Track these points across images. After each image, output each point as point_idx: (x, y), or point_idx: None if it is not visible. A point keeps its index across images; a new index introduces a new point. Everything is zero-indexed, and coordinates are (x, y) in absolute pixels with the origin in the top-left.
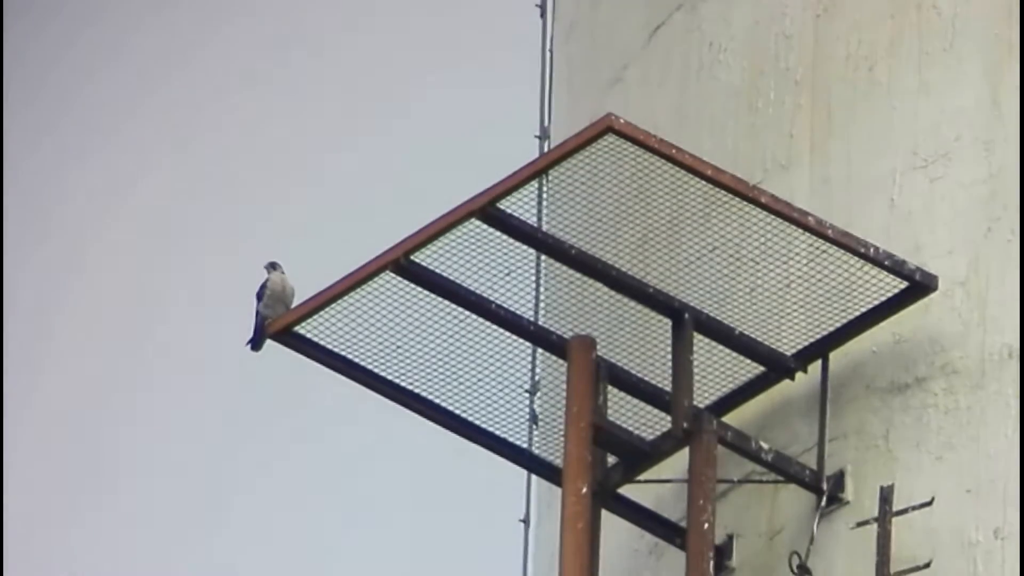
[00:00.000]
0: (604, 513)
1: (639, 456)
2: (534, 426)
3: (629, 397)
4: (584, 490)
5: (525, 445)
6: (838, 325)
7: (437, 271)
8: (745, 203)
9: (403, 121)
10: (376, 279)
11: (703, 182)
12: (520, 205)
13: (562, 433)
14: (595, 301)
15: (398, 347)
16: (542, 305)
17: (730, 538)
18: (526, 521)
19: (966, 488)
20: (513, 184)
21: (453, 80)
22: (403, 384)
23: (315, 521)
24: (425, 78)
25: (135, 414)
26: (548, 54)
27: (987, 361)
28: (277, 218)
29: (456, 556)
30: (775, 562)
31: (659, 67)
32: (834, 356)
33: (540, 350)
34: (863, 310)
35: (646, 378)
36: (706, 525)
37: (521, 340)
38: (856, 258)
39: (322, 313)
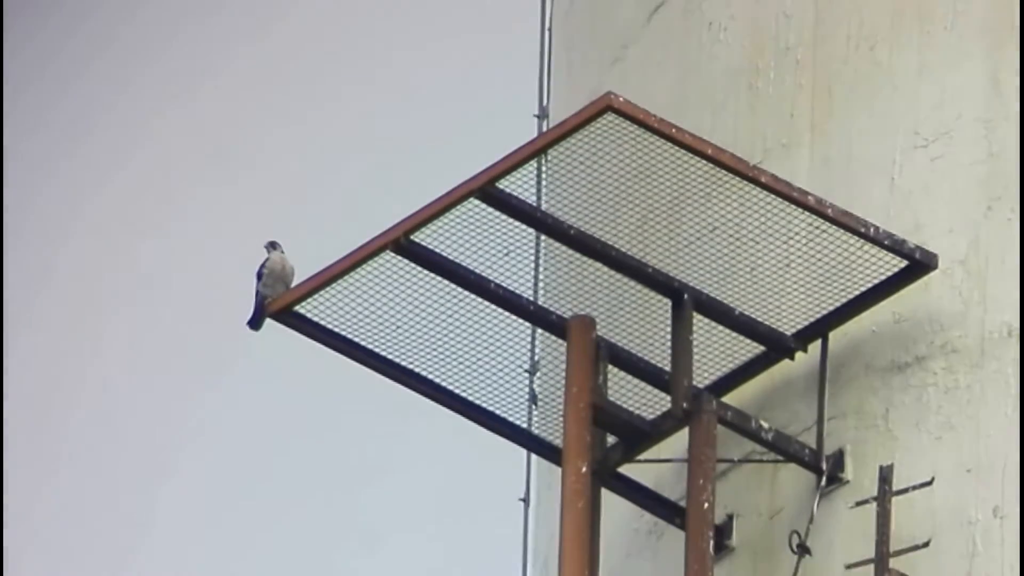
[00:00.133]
0: (604, 493)
1: (639, 436)
2: (534, 406)
3: (629, 377)
4: (584, 470)
5: (525, 425)
6: (838, 304)
7: (437, 251)
8: (745, 183)
9: (402, 100)
10: (376, 259)
11: (703, 162)
12: (519, 185)
13: (562, 413)
14: (595, 281)
15: (398, 327)
16: (541, 285)
17: (730, 518)
18: (526, 500)
19: (965, 467)
20: (512, 164)
21: (452, 59)
22: (403, 364)
23: (314, 501)
24: (424, 57)
25: (134, 397)
26: (547, 33)
27: (987, 340)
28: (277, 197)
29: (456, 535)
30: (775, 542)
31: (659, 46)
32: (834, 335)
33: (540, 330)
34: (863, 289)
35: (646, 358)
36: (706, 505)
37: (521, 320)
38: (856, 237)
39: (322, 293)
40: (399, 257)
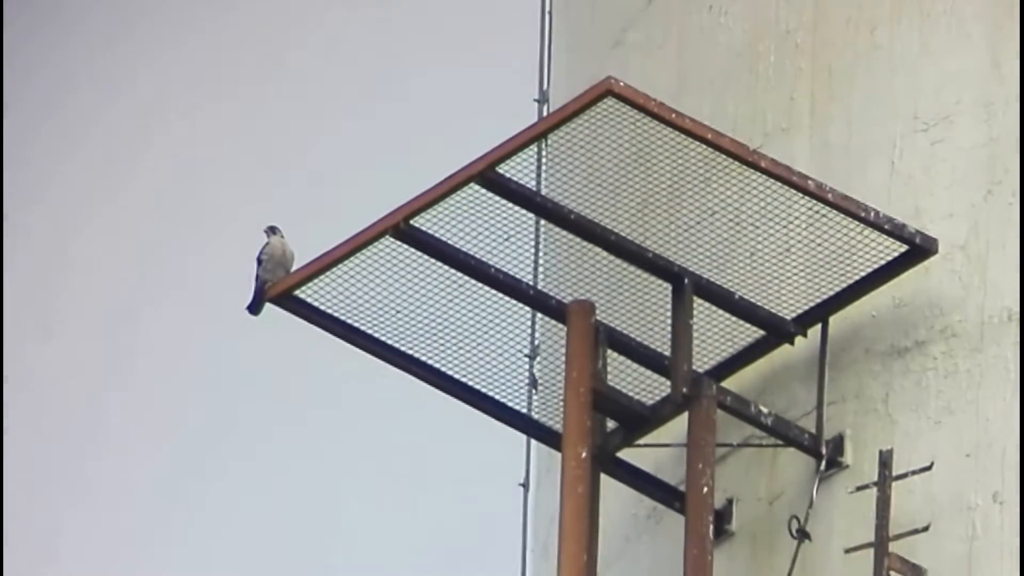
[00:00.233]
0: (603, 477)
1: (638, 420)
2: (534, 390)
3: (629, 361)
4: (584, 454)
5: (525, 410)
6: (838, 289)
7: (437, 235)
8: (745, 167)
9: (403, 85)
10: (376, 243)
11: (703, 146)
12: (519, 169)
13: (562, 398)
14: (594, 265)
15: (398, 311)
16: (541, 269)
17: (729, 502)
18: (526, 485)
19: (965, 452)
20: (512, 148)
21: (452, 43)
22: (403, 348)
23: (315, 485)
24: (425, 41)
25: (132, 383)
26: (547, 17)
27: (986, 325)
28: (277, 182)
29: (456, 519)
30: (774, 526)
31: (659, 30)
32: (834, 320)
33: (539, 314)
34: (863, 274)
35: (646, 342)
36: (705, 489)
37: (520, 304)
38: (856, 222)
39: (322, 277)
40: (399, 242)
